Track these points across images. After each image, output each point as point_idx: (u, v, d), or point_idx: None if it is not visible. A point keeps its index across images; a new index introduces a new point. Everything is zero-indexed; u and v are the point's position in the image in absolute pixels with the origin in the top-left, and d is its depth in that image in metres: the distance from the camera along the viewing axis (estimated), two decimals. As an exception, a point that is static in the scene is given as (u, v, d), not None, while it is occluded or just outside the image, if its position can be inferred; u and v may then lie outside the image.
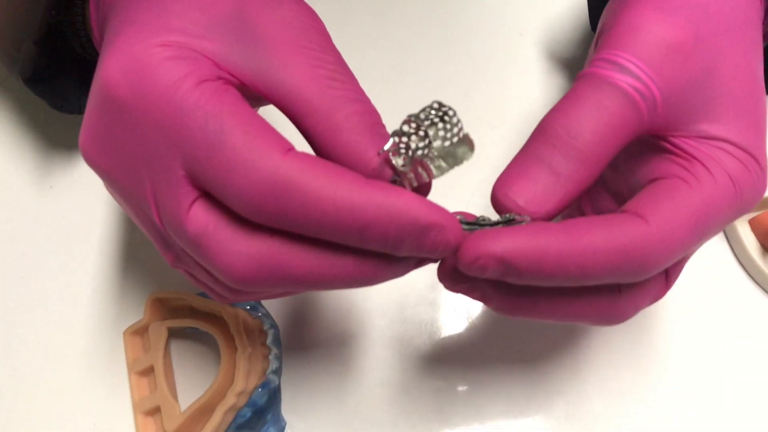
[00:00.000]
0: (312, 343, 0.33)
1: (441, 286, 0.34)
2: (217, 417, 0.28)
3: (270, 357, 0.30)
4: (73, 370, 0.32)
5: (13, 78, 0.31)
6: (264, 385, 0.30)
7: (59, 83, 0.32)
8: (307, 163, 0.19)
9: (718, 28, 0.23)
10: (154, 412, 0.31)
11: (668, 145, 0.23)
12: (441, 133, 0.20)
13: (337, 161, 0.21)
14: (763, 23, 0.26)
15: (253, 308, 0.31)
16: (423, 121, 0.20)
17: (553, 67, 0.39)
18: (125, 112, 0.20)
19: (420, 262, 0.21)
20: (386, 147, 0.20)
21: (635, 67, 0.22)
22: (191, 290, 0.32)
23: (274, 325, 0.31)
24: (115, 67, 0.20)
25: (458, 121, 0.20)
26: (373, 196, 0.19)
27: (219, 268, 0.19)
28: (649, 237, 0.20)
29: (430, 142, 0.20)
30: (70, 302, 0.33)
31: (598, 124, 0.21)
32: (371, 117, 0.21)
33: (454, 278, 0.22)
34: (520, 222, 0.21)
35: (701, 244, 0.23)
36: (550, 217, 0.21)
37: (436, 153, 0.20)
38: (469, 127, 0.38)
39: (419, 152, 0.20)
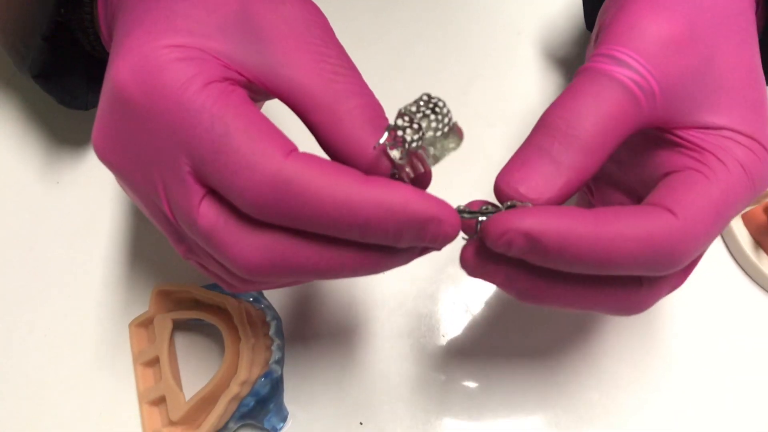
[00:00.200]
0: (314, 335, 0.33)
1: (440, 279, 0.35)
2: (220, 406, 0.29)
3: (273, 348, 0.31)
4: (80, 361, 0.33)
5: (22, 74, 0.31)
6: (267, 375, 0.30)
7: (67, 80, 0.32)
8: (308, 164, 0.19)
9: (713, 21, 0.23)
10: (159, 401, 0.31)
11: (676, 138, 0.23)
12: (433, 124, 0.20)
13: (340, 154, 0.22)
14: (757, 15, 0.26)
15: (256, 300, 0.32)
16: (415, 113, 0.20)
17: (550, 65, 0.40)
18: (135, 111, 0.21)
19: (423, 250, 0.22)
20: (381, 140, 0.21)
21: (633, 60, 0.22)
22: (195, 283, 0.32)
23: (276, 317, 0.32)
24: (126, 68, 0.21)
25: (448, 111, 0.20)
26: (371, 194, 0.19)
27: (230, 260, 0.20)
28: (678, 229, 0.21)
29: (423, 134, 0.20)
30: (77, 295, 0.34)
31: (598, 115, 0.22)
32: (373, 110, 0.22)
33: (476, 263, 0.22)
34: (522, 205, 0.21)
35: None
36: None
37: (429, 143, 0.20)
38: (467, 124, 0.38)
39: (414, 144, 0.20)
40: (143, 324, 0.33)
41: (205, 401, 0.30)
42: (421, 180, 0.22)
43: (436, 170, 0.23)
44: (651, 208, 0.21)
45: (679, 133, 0.23)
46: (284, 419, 0.31)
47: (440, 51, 0.40)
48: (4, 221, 0.36)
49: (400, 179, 0.21)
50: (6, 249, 0.35)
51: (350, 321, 0.34)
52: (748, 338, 0.34)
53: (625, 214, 0.21)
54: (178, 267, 0.34)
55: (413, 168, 0.21)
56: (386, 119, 0.22)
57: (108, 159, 0.23)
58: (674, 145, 0.23)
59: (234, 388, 0.29)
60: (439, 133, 0.20)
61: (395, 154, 0.21)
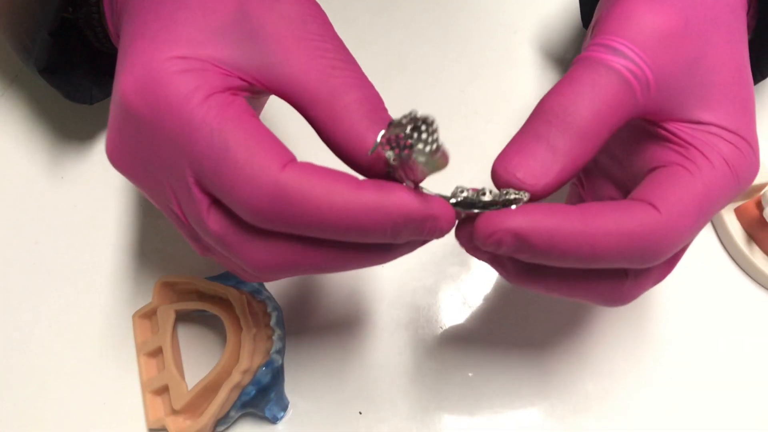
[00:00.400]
0: (314, 327, 0.34)
1: (438, 271, 0.36)
2: (222, 394, 0.29)
3: (273, 338, 0.32)
4: (85, 352, 0.34)
5: (27, 68, 0.32)
6: (268, 364, 0.31)
7: (72, 74, 0.33)
8: (304, 174, 0.20)
9: (705, 17, 0.24)
10: (162, 391, 0.32)
11: (664, 132, 0.24)
12: (421, 143, 0.20)
13: (340, 149, 0.22)
14: (748, 14, 0.27)
15: (257, 291, 0.33)
16: (404, 127, 0.20)
17: (546, 63, 0.41)
18: (142, 124, 0.22)
19: (424, 241, 0.23)
20: (378, 138, 0.21)
21: (629, 50, 0.23)
22: (198, 275, 0.33)
23: (277, 308, 0.32)
24: (130, 82, 0.21)
25: (436, 130, 0.20)
26: (367, 199, 0.20)
27: (242, 262, 0.22)
28: (660, 224, 0.21)
29: (412, 146, 0.20)
30: (82, 287, 0.35)
31: (594, 102, 0.22)
32: (371, 103, 0.22)
33: (468, 246, 0.23)
34: (518, 199, 0.21)
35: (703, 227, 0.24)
36: (548, 192, 0.22)
37: (417, 156, 0.20)
38: (465, 120, 0.39)
39: (403, 154, 0.21)
40: (146, 315, 0.34)
41: (207, 390, 0.30)
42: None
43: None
44: (635, 204, 0.22)
45: (668, 126, 0.24)
46: (285, 408, 0.32)
47: (439, 50, 0.41)
48: (10, 215, 0.36)
49: (398, 177, 0.22)
50: (12, 242, 0.36)
51: (350, 313, 0.34)
52: (741, 330, 0.35)
53: (610, 210, 0.21)
54: (180, 259, 0.35)
55: (406, 174, 0.21)
56: (386, 111, 0.23)
57: (120, 166, 0.24)
58: (662, 139, 0.24)
59: (236, 377, 0.29)
60: (428, 149, 0.20)
61: (389, 154, 0.21)
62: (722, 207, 0.23)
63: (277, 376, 0.31)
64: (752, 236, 0.35)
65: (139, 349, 0.33)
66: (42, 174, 0.37)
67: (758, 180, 0.34)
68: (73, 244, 0.36)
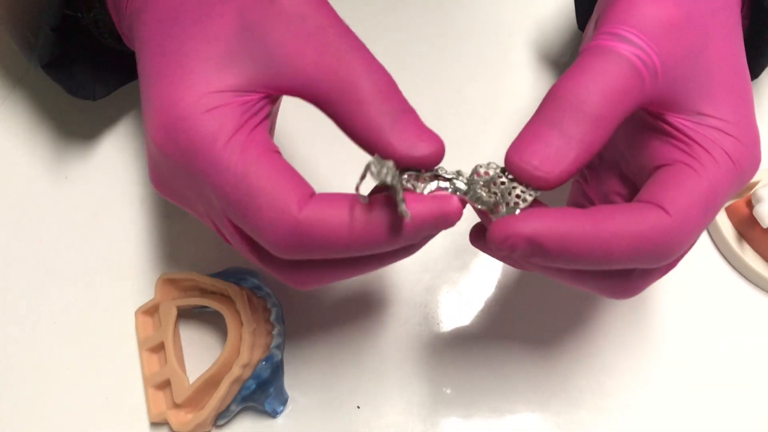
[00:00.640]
0: (313, 323, 0.34)
1: (435, 269, 0.36)
2: (223, 387, 0.30)
3: (273, 333, 0.32)
4: (88, 348, 0.34)
5: (31, 64, 0.32)
6: (268, 359, 0.31)
7: (75, 69, 0.33)
8: (320, 209, 0.22)
9: (706, 11, 0.24)
10: (164, 385, 0.32)
11: (667, 127, 0.24)
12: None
13: (361, 141, 0.23)
14: (742, 14, 0.27)
15: (258, 287, 0.33)
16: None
17: (541, 65, 0.41)
18: (174, 164, 0.23)
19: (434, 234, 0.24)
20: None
21: (636, 38, 0.23)
22: (199, 271, 0.34)
23: (277, 304, 0.33)
24: (157, 128, 0.23)
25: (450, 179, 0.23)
26: (382, 222, 0.22)
27: (284, 281, 0.25)
28: (670, 226, 0.22)
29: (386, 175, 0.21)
30: (85, 285, 0.35)
31: (605, 88, 0.22)
32: (383, 90, 0.23)
33: (478, 245, 0.25)
34: (524, 196, 0.22)
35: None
36: (563, 179, 0.22)
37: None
38: (461, 120, 0.40)
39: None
40: (149, 312, 0.34)
41: (208, 384, 0.31)
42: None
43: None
44: (644, 206, 0.22)
45: (671, 121, 0.24)
46: (284, 402, 0.33)
47: (437, 52, 0.42)
48: (15, 214, 0.37)
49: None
50: (17, 241, 0.36)
51: (348, 310, 0.35)
52: (733, 328, 0.35)
53: (620, 214, 0.22)
54: (182, 256, 0.36)
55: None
56: (399, 93, 0.23)
57: (162, 191, 0.26)
58: (666, 134, 0.24)
59: (236, 371, 0.30)
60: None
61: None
62: (727, 201, 0.24)
63: (276, 370, 0.32)
64: (743, 234, 0.36)
65: (142, 344, 0.33)
66: (46, 174, 0.38)
67: (748, 179, 0.35)
68: (76, 242, 0.36)
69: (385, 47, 0.42)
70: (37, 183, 0.38)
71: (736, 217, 0.35)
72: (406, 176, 0.23)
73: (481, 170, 0.23)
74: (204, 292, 0.34)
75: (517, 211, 0.22)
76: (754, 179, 0.35)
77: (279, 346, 0.32)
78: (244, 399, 0.31)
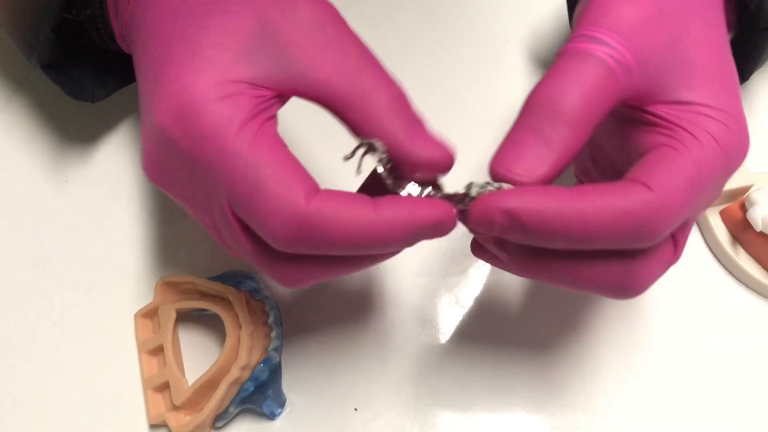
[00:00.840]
0: (311, 325, 0.35)
1: (432, 272, 0.37)
2: (221, 389, 0.30)
3: (271, 335, 0.32)
4: (87, 350, 0.34)
5: (31, 65, 0.32)
6: (266, 361, 0.32)
7: (74, 71, 0.34)
8: (327, 203, 0.22)
9: (679, 4, 0.25)
10: (163, 388, 0.33)
11: (650, 117, 0.24)
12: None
13: None
14: (727, 10, 0.28)
15: (256, 291, 0.33)
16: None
17: (536, 70, 0.42)
18: (179, 150, 0.23)
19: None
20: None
21: (608, 37, 0.23)
22: (198, 275, 0.34)
23: (275, 307, 0.33)
24: (167, 112, 0.23)
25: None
26: (384, 218, 0.22)
27: (273, 278, 0.25)
28: (652, 201, 0.22)
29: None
30: (84, 288, 0.36)
31: (580, 90, 0.23)
32: (398, 101, 0.24)
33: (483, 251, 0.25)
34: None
35: (702, 208, 0.24)
36: (546, 182, 0.23)
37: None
38: (458, 124, 0.40)
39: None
40: (148, 315, 0.34)
41: (207, 386, 0.31)
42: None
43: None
44: (626, 183, 0.22)
45: (654, 110, 0.24)
46: (282, 405, 0.33)
47: (433, 58, 0.42)
48: (15, 217, 0.37)
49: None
50: (17, 244, 0.37)
51: (346, 312, 0.35)
52: (727, 331, 0.35)
53: (602, 189, 0.22)
54: (181, 259, 0.36)
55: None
56: (412, 106, 0.24)
57: (158, 182, 0.25)
58: (650, 125, 0.24)
59: (234, 372, 0.30)
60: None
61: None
62: (718, 185, 0.24)
63: (274, 372, 0.32)
64: (737, 238, 0.36)
65: (141, 347, 0.34)
66: (46, 178, 0.38)
67: (741, 183, 0.35)
68: (76, 245, 0.37)
69: (382, 53, 0.42)
70: (38, 186, 0.38)
71: (730, 220, 0.36)
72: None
73: (474, 190, 0.24)
74: (203, 295, 0.34)
75: None
76: (747, 183, 0.35)
77: (277, 349, 0.32)
78: (243, 401, 0.31)
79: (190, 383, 0.32)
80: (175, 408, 0.32)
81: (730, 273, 0.37)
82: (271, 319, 0.33)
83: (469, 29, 0.43)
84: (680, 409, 0.34)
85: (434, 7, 0.44)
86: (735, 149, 0.24)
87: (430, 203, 0.23)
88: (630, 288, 0.24)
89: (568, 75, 0.23)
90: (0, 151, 0.39)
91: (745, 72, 0.32)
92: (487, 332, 0.35)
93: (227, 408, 0.31)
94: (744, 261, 0.36)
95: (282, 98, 0.24)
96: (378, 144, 0.23)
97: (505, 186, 0.23)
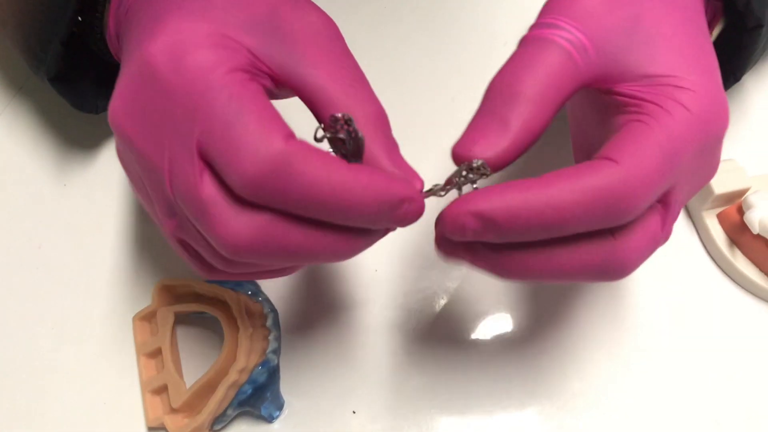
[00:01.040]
0: (309, 328, 0.35)
1: (429, 276, 0.37)
2: (220, 392, 0.30)
3: (270, 338, 0.32)
4: (86, 353, 0.34)
5: (38, 78, 0.33)
6: (264, 363, 0.32)
7: (80, 84, 0.34)
8: (306, 150, 0.21)
9: None
10: (161, 390, 0.33)
11: (620, 98, 0.24)
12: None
13: None
14: (708, 9, 0.28)
15: (254, 293, 0.34)
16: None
17: (534, 73, 0.42)
18: (161, 85, 0.22)
19: (386, 231, 0.24)
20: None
21: (562, 22, 0.24)
22: (196, 278, 0.34)
23: (273, 310, 0.33)
24: (160, 45, 0.23)
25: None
26: (360, 178, 0.21)
27: (218, 237, 0.22)
28: (620, 176, 0.21)
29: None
30: (83, 290, 0.36)
31: (535, 72, 0.23)
32: (380, 119, 0.24)
33: (447, 248, 0.24)
34: (477, 172, 0.23)
35: (690, 179, 0.24)
36: (504, 160, 0.23)
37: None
38: (455, 128, 0.40)
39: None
40: (146, 318, 0.35)
41: (205, 388, 0.31)
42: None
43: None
44: (593, 162, 0.22)
45: (622, 90, 0.24)
46: (280, 407, 0.33)
47: (430, 61, 0.42)
48: (15, 220, 0.38)
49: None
50: (17, 247, 0.37)
51: (344, 315, 0.35)
52: (725, 332, 0.35)
53: (568, 173, 0.22)
54: (179, 263, 0.36)
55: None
56: (390, 127, 0.25)
57: (123, 127, 0.24)
58: (621, 105, 0.24)
59: (233, 375, 0.30)
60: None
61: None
62: (698, 152, 0.23)
63: (272, 375, 0.32)
64: (734, 241, 0.36)
65: (139, 350, 0.34)
66: (46, 181, 0.39)
67: (739, 186, 0.35)
68: (75, 248, 0.37)
69: (380, 56, 0.43)
70: (38, 190, 0.38)
71: (728, 223, 0.36)
72: None
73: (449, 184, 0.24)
74: (201, 298, 0.34)
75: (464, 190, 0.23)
76: (744, 186, 0.35)
77: (275, 351, 0.32)
78: (241, 404, 0.31)
79: (188, 386, 0.32)
80: (174, 411, 0.32)
81: (728, 275, 0.37)
82: (269, 322, 0.33)
83: (466, 32, 0.43)
84: (680, 409, 0.34)
85: (432, 11, 0.44)
86: (709, 112, 0.24)
87: (404, 181, 0.23)
88: (617, 267, 0.23)
89: (524, 60, 0.24)
90: (-1, 154, 0.39)
91: (736, 72, 0.32)
92: (484, 335, 0.35)
93: (225, 410, 0.31)
94: (741, 263, 0.36)
95: (273, 81, 0.24)
96: (478, 163, 0.23)
97: (474, 164, 0.23)
